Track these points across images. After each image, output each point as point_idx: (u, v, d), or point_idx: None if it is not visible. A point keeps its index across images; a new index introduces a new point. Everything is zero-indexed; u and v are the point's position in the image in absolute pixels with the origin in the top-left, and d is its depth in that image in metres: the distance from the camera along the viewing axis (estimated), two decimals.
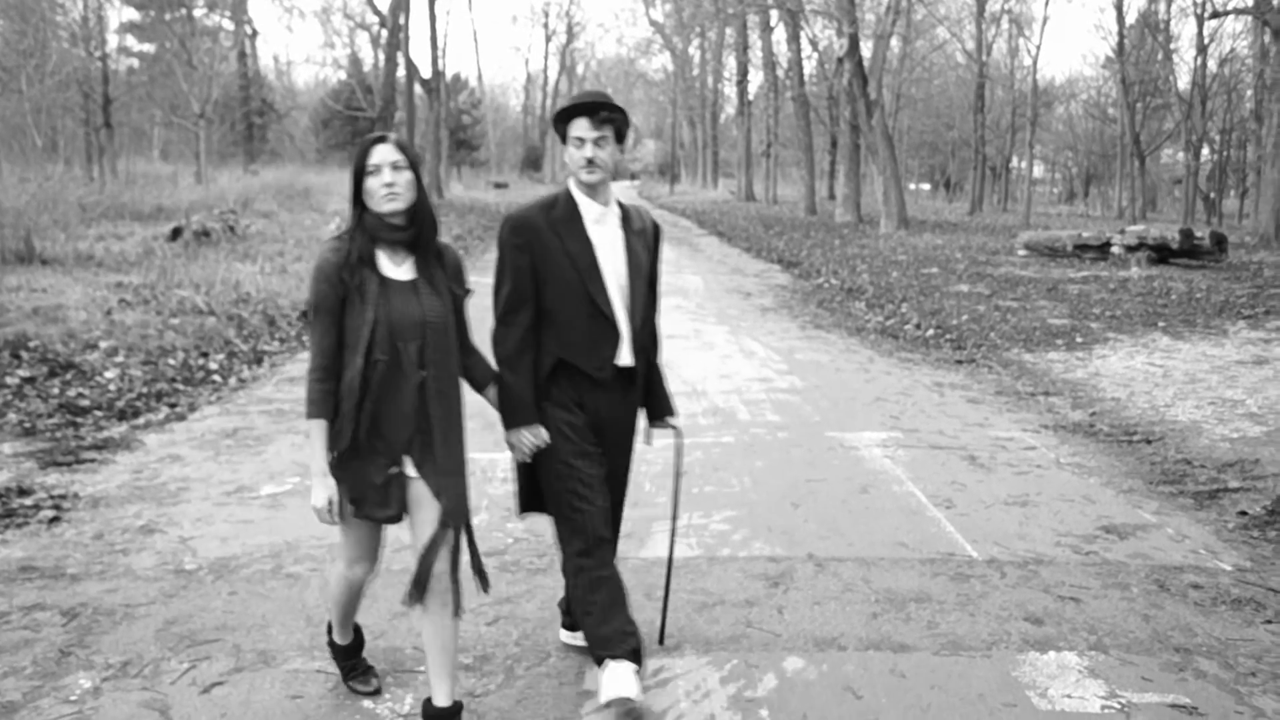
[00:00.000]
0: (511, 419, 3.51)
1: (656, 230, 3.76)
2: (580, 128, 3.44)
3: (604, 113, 3.44)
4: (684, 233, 29.68)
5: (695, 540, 5.18)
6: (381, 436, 3.19)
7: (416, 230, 3.22)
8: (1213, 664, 3.95)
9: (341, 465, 3.20)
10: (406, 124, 28.92)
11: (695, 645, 4.03)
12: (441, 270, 3.30)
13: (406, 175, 3.18)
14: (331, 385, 3.16)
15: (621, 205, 3.63)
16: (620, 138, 3.54)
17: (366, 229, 3.18)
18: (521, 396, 3.49)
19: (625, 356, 3.57)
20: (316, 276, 3.16)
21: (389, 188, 3.13)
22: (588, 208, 3.53)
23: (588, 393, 3.56)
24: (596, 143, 3.45)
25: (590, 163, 3.45)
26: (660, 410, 3.85)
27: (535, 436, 3.50)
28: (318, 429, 3.17)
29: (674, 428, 3.85)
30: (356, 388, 3.11)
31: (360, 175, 3.16)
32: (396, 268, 3.23)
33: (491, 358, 3.56)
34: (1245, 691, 3.74)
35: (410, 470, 3.23)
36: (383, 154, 3.16)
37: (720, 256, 22.04)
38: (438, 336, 3.21)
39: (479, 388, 3.55)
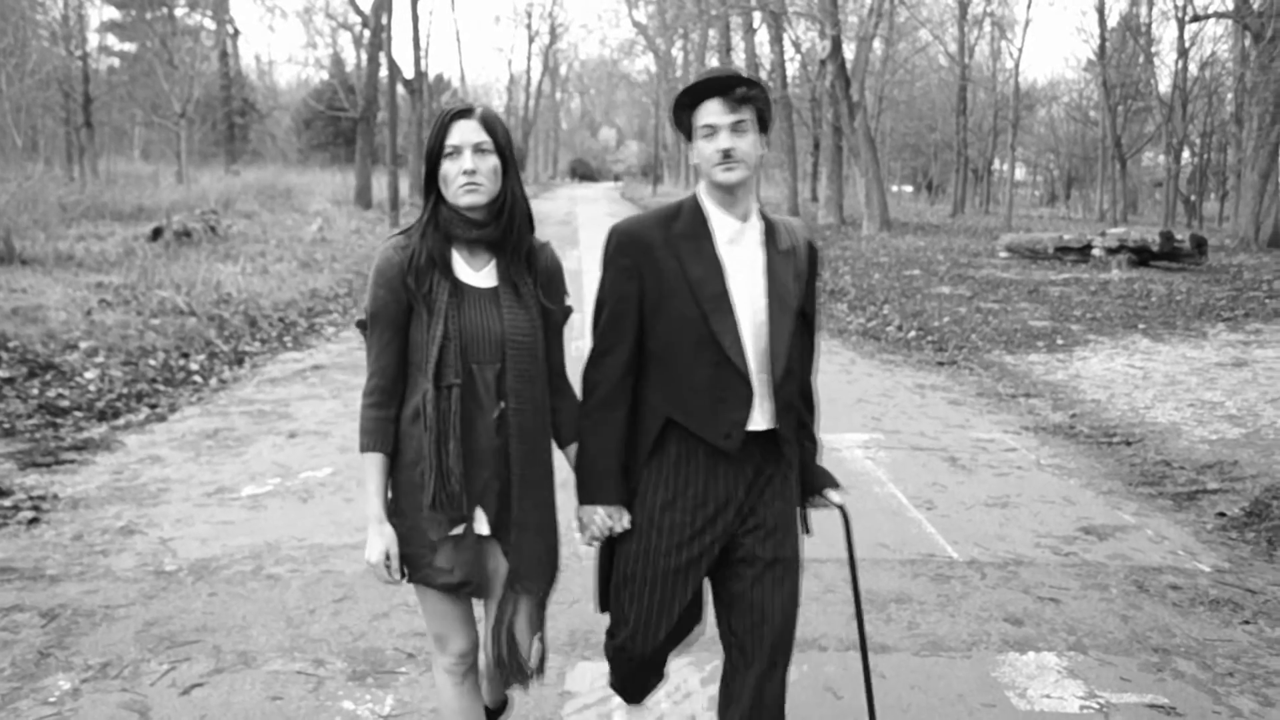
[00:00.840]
0: (586, 492, 2.70)
1: (813, 252, 2.79)
2: (711, 112, 2.57)
3: (741, 90, 2.57)
4: None
5: None
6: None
7: (502, 228, 2.56)
8: (1191, 664, 3.98)
9: (393, 514, 2.59)
10: (389, 124, 28.83)
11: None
12: (531, 277, 2.63)
13: (492, 161, 2.51)
14: (391, 412, 2.55)
15: (765, 218, 2.73)
16: (764, 124, 2.64)
17: (440, 223, 2.55)
18: (600, 464, 2.68)
19: (760, 418, 2.65)
20: (376, 280, 2.54)
21: (469, 176, 2.48)
22: (720, 223, 2.65)
23: (707, 469, 2.66)
24: (734, 129, 2.57)
25: (727, 156, 2.56)
26: (814, 483, 2.91)
27: (613, 520, 2.69)
28: (372, 465, 2.55)
29: (837, 505, 2.95)
30: (431, 419, 2.48)
31: (436, 157, 2.52)
32: (474, 271, 2.58)
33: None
34: (1223, 691, 3.78)
35: (483, 527, 2.57)
36: (464, 133, 2.49)
37: None
38: (521, 358, 2.56)
39: (561, 442, 2.78)
